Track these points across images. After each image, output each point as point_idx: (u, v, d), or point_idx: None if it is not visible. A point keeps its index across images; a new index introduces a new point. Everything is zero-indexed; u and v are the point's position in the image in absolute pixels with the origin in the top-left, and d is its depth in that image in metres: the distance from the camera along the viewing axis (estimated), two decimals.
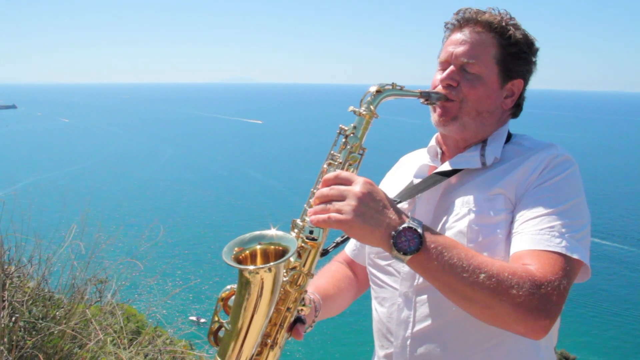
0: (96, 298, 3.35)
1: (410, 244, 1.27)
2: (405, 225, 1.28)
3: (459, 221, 1.50)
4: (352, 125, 1.47)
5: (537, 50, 1.65)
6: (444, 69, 1.62)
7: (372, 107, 1.48)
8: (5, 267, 2.75)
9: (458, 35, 1.62)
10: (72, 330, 2.48)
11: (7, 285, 2.55)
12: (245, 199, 57.33)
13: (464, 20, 1.62)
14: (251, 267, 1.34)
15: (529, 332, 1.27)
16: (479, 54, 1.58)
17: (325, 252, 1.55)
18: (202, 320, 27.62)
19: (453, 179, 1.61)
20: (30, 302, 2.60)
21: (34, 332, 2.47)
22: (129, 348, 2.87)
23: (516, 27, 1.60)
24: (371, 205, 1.30)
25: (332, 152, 1.46)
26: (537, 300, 1.24)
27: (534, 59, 1.65)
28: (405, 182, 1.73)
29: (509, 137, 1.66)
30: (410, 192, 1.63)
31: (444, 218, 1.54)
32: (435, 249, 1.28)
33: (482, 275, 1.25)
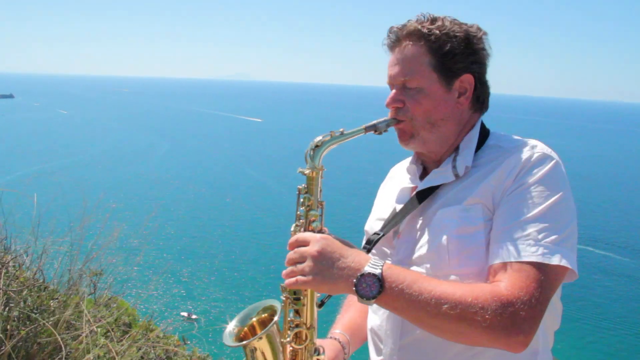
0: (90, 290, 3.37)
1: (372, 288, 1.32)
2: (363, 271, 1.34)
3: (438, 235, 1.51)
4: (304, 185, 1.58)
5: (478, 37, 1.60)
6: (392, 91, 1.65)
7: (315, 164, 1.55)
8: (2, 256, 2.76)
9: (393, 56, 1.62)
10: (66, 322, 2.49)
11: (3, 274, 2.56)
12: (241, 197, 57.27)
13: (394, 39, 1.62)
14: (243, 343, 1.55)
15: (507, 348, 1.30)
16: (413, 67, 1.57)
17: (321, 304, 1.57)
18: (194, 316, 27.63)
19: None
20: (25, 292, 2.62)
21: (28, 322, 2.48)
22: (121, 341, 2.88)
23: (442, 27, 1.57)
24: (327, 261, 1.38)
25: (297, 213, 1.57)
26: (505, 320, 1.27)
27: (479, 47, 1.60)
28: (392, 198, 1.75)
29: (486, 137, 1.63)
30: (395, 220, 1.64)
31: (425, 234, 1.55)
32: (397, 287, 1.32)
33: (445, 307, 1.28)
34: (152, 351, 3.06)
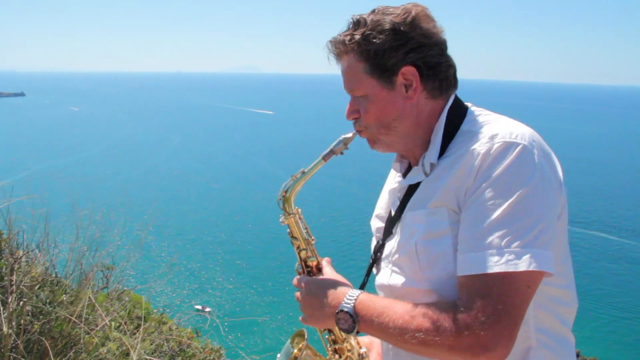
0: (103, 284, 3.38)
1: (347, 323, 1.43)
2: (339, 309, 1.45)
3: (408, 240, 1.49)
4: (289, 230, 1.71)
5: (407, 22, 1.47)
6: None
7: (290, 211, 1.68)
8: (14, 251, 2.77)
9: (340, 68, 1.60)
10: (79, 316, 2.50)
11: (16, 269, 2.57)
12: (253, 189, 57.42)
13: (332, 52, 1.59)
14: None
15: None
16: (351, 78, 1.54)
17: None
18: (207, 309, 27.84)
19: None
20: (38, 286, 2.63)
21: (41, 317, 2.50)
22: (134, 334, 2.89)
23: (362, 29, 1.49)
24: (314, 304, 1.54)
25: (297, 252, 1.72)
26: (466, 341, 1.24)
27: (412, 33, 1.47)
28: (387, 195, 1.75)
29: (461, 121, 1.52)
30: (391, 225, 1.64)
31: (400, 237, 1.55)
32: (368, 320, 1.41)
33: (407, 336, 1.33)
34: (166, 344, 3.07)
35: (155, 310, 4.12)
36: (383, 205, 1.75)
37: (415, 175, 1.55)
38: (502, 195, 1.29)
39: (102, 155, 74.46)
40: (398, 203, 1.62)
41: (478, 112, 1.54)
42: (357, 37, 1.49)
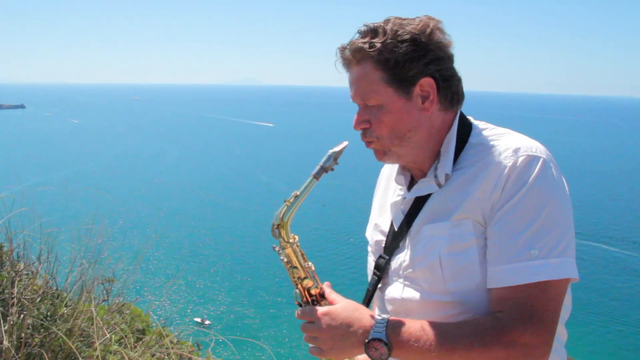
0: (103, 297, 3.37)
1: (381, 351, 1.36)
2: (369, 337, 1.37)
3: (430, 253, 1.48)
4: (286, 260, 1.58)
5: (427, 34, 1.47)
6: None
7: (287, 241, 1.56)
8: (15, 264, 2.77)
9: (348, 76, 1.56)
10: (79, 329, 2.49)
11: (16, 282, 2.57)
12: (253, 202, 57.37)
13: (344, 59, 1.55)
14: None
15: None
16: (366, 87, 1.50)
17: None
18: (207, 322, 27.70)
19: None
20: (39, 299, 2.62)
21: (41, 330, 2.49)
22: (135, 348, 2.88)
23: (383, 37, 1.47)
24: (336, 336, 1.42)
25: (293, 280, 1.59)
26: (518, 353, 1.30)
27: (431, 45, 1.48)
28: (386, 206, 1.73)
29: (468, 134, 1.55)
30: (398, 238, 1.61)
31: (416, 250, 1.53)
32: (406, 344, 1.35)
33: (455, 356, 1.32)
34: (166, 357, 3.06)
35: (155, 324, 4.10)
36: (381, 218, 1.73)
37: (424, 187, 1.55)
38: (533, 208, 1.35)
39: (103, 167, 74.40)
40: (402, 216, 1.60)
41: (483, 126, 1.58)
42: (378, 45, 1.46)
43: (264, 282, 36.01)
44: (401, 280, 1.56)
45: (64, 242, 3.44)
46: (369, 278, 1.73)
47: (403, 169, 1.67)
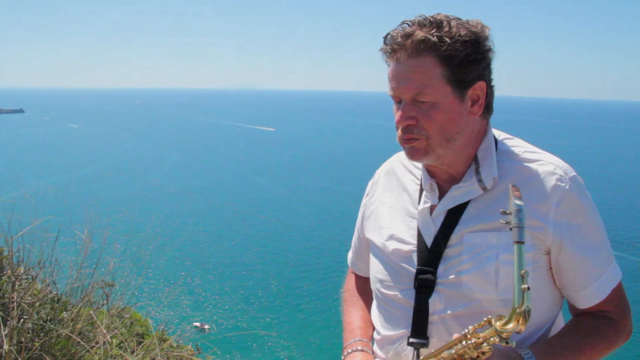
0: (103, 301, 3.38)
1: None
2: None
3: (483, 260, 1.45)
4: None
5: (486, 36, 1.47)
6: (398, 104, 1.51)
7: (506, 333, 1.33)
8: (15, 268, 2.78)
9: (397, 67, 1.46)
10: (79, 333, 2.50)
11: (17, 286, 2.57)
12: (252, 206, 57.30)
13: (397, 47, 1.45)
14: None
15: None
16: (424, 81, 1.43)
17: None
18: (206, 326, 27.65)
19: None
20: (39, 304, 2.63)
21: (41, 334, 2.49)
22: (135, 352, 2.88)
23: (451, 33, 1.42)
24: None
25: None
26: (628, 336, 1.54)
27: (486, 49, 1.47)
28: (401, 213, 1.66)
29: (496, 142, 1.57)
30: (437, 248, 1.53)
31: (465, 257, 1.48)
32: None
33: (594, 358, 1.51)
34: None
35: (155, 328, 4.11)
36: (400, 227, 1.64)
37: (463, 192, 1.52)
38: (595, 222, 1.50)
39: (102, 172, 74.32)
40: (435, 225, 1.55)
41: (497, 133, 1.61)
42: (446, 39, 1.41)
43: (263, 287, 35.96)
44: (447, 290, 1.51)
45: (64, 247, 3.45)
46: (377, 285, 1.68)
47: (430, 177, 1.59)
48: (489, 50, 1.48)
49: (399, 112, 1.48)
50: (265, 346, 27.52)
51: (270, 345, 27.65)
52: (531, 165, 1.50)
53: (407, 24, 1.47)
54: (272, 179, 71.88)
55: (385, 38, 1.50)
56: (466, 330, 1.37)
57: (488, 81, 1.50)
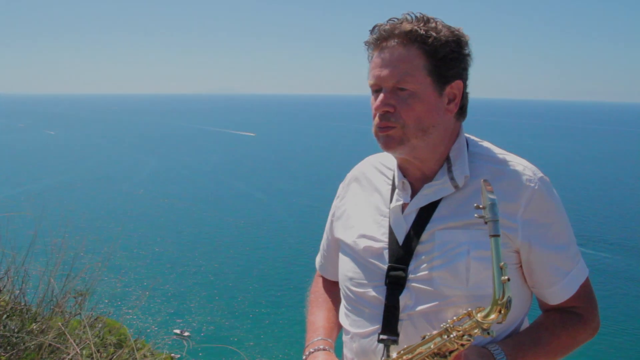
0: (75, 311, 3.30)
1: None
2: None
3: (454, 257, 1.47)
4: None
5: (466, 42, 1.54)
6: (377, 94, 1.54)
7: (487, 323, 1.36)
8: None
9: (381, 55, 1.52)
10: (49, 345, 2.42)
11: None
12: (230, 211, 57.09)
13: (382, 37, 1.52)
14: None
15: None
16: (407, 70, 1.48)
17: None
18: (186, 333, 27.44)
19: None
20: (6, 316, 2.55)
21: (8, 347, 2.42)
22: None
23: (437, 30, 1.49)
24: None
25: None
26: (595, 331, 1.59)
27: (466, 53, 1.54)
28: (373, 212, 1.67)
29: (467, 144, 1.60)
30: (409, 245, 1.55)
31: (436, 253, 1.50)
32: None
33: (562, 353, 1.55)
34: None
35: (134, 336, 4.04)
36: (371, 225, 1.65)
37: (435, 190, 1.55)
38: (563, 221, 1.55)
39: (77, 179, 73.32)
40: (406, 223, 1.57)
41: (467, 135, 1.63)
42: (433, 34, 1.48)
43: (243, 292, 35.82)
44: (418, 286, 1.52)
45: (35, 256, 3.36)
46: (346, 284, 1.67)
47: (403, 175, 1.62)
48: (469, 55, 1.55)
49: (379, 98, 1.51)
50: (247, 351, 27.39)
51: (254, 350, 27.51)
52: (501, 166, 1.55)
53: (395, 19, 1.53)
54: (252, 184, 71.68)
55: (372, 30, 1.55)
56: (446, 324, 1.38)
57: (465, 84, 1.55)
